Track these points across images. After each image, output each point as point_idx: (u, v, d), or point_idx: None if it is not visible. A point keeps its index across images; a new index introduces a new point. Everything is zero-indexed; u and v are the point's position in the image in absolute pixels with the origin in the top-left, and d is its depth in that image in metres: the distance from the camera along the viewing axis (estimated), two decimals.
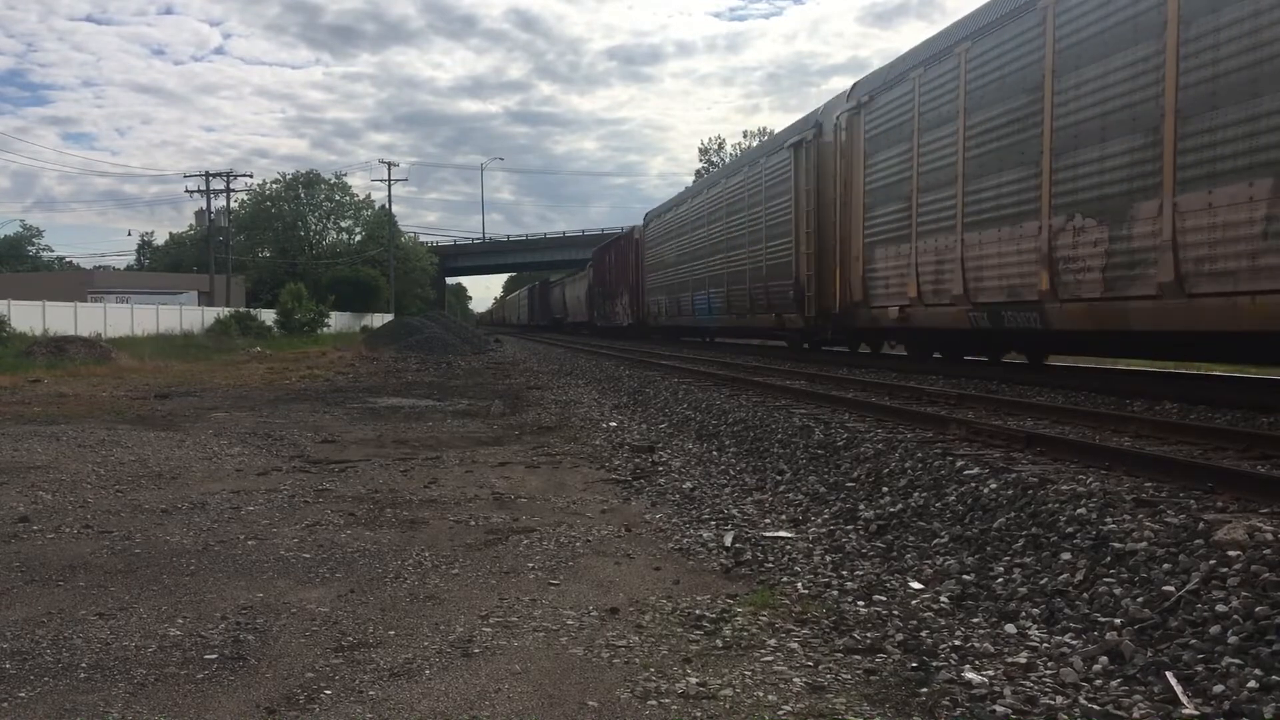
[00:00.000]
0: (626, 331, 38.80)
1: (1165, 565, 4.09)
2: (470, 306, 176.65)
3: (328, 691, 3.54)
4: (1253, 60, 7.88)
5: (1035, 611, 4.23)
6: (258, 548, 5.72)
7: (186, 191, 64.26)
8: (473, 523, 6.39)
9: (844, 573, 5.08)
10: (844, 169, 16.39)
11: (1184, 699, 3.22)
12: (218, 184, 60.44)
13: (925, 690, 3.48)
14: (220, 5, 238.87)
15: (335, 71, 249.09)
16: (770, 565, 5.25)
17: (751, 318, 22.14)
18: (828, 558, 5.39)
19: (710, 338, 31.74)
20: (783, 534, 5.95)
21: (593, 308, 46.32)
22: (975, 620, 4.27)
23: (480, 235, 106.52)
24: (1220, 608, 3.63)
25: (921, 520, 5.78)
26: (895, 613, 4.37)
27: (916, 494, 6.18)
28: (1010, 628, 4.11)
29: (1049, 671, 3.62)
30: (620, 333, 40.60)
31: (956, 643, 3.94)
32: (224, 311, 49.96)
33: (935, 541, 5.42)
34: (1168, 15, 8.75)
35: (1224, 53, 8.16)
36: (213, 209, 61.18)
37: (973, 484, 5.84)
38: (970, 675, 3.57)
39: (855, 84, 16.45)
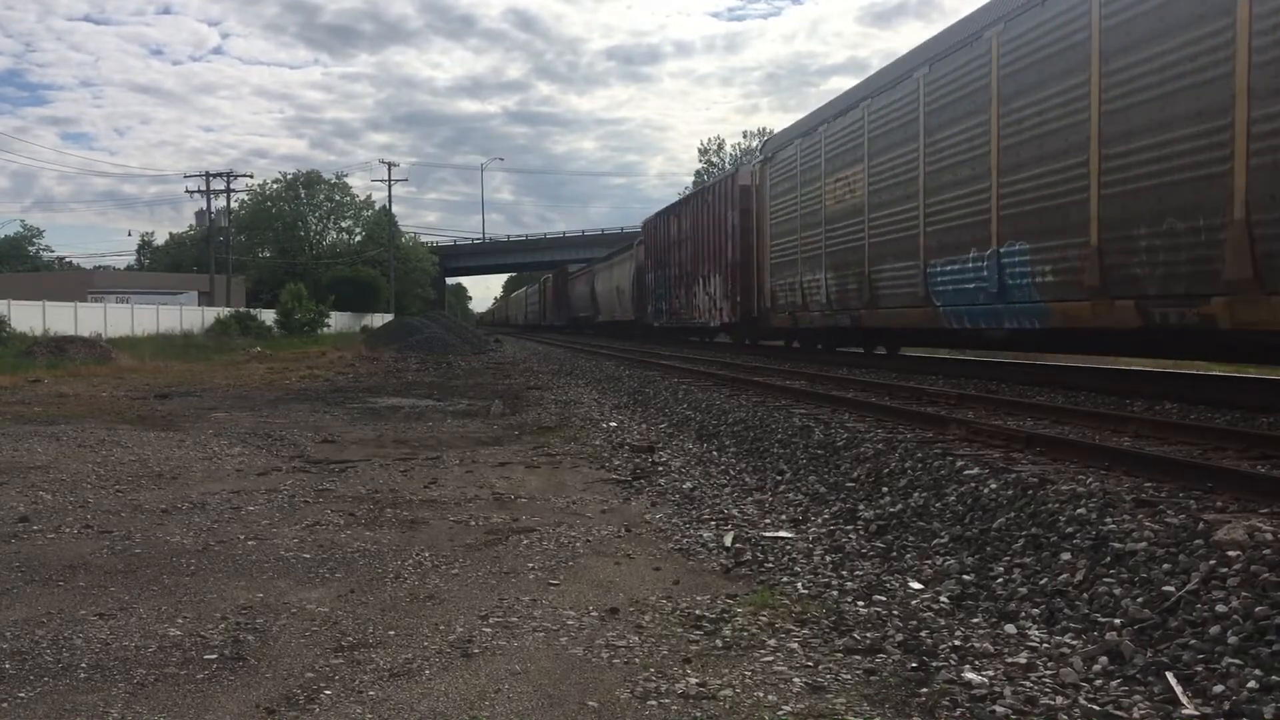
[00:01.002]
0: (726, 333, 25.21)
1: (1165, 565, 4.09)
2: (470, 306, 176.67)
3: (328, 691, 3.54)
4: None
5: (1035, 612, 4.23)
6: (258, 548, 5.72)
7: (187, 192, 64.13)
8: (473, 523, 6.39)
9: (844, 573, 5.08)
10: None
11: (1184, 699, 3.22)
12: (218, 184, 60.48)
13: (925, 690, 3.48)
14: (218, 5, 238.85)
15: (334, 71, 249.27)
16: (770, 565, 5.25)
17: None
18: (828, 558, 5.39)
19: (911, 349, 18.86)
20: (783, 534, 5.95)
21: (644, 301, 33.63)
22: (975, 620, 4.27)
23: (480, 235, 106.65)
24: (1220, 608, 3.63)
25: (921, 520, 5.78)
26: (895, 613, 4.37)
27: (916, 494, 6.18)
28: (1010, 628, 4.11)
29: (1049, 672, 3.62)
30: (699, 338, 28.96)
31: (956, 643, 3.94)
32: (224, 311, 49.95)
33: (935, 541, 5.42)
34: None
35: None
36: (213, 209, 61.20)
37: (973, 484, 5.84)
38: (970, 675, 3.57)
39: None
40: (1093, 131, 9.48)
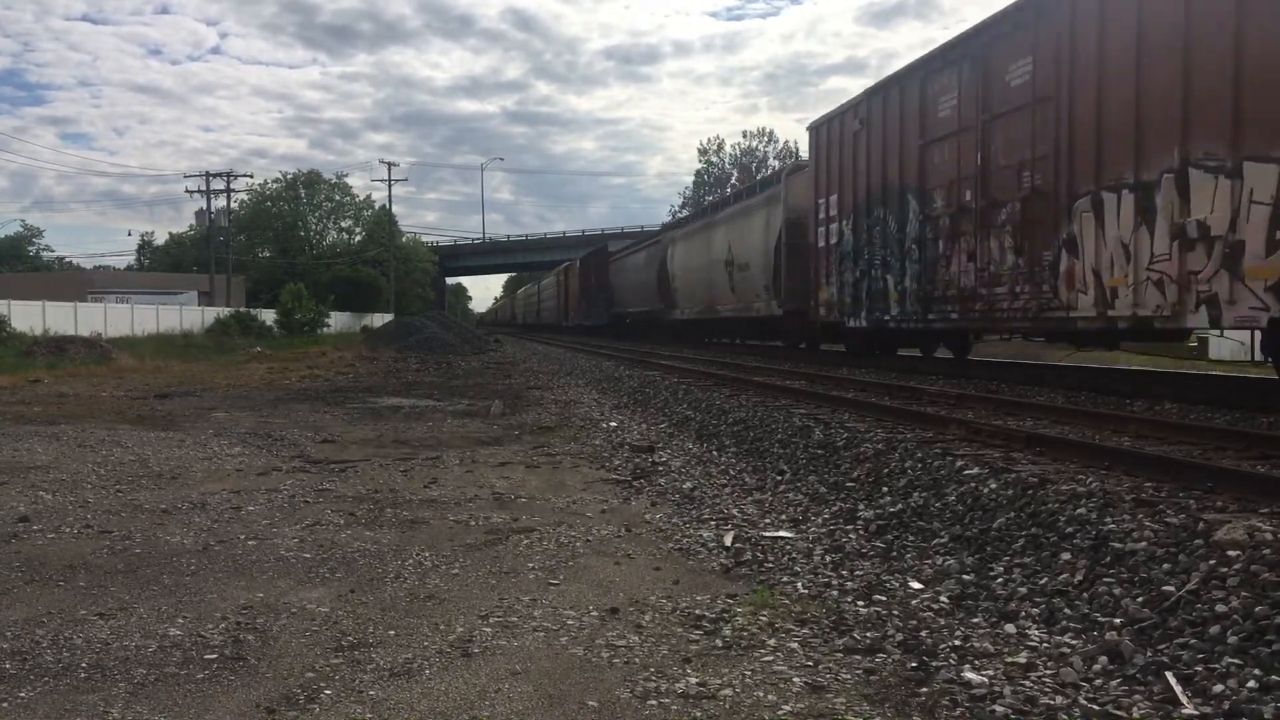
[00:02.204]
0: None
1: (1165, 565, 4.09)
2: (470, 306, 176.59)
3: (328, 691, 3.54)
4: None
5: (1035, 611, 4.24)
6: (258, 548, 5.72)
7: (186, 192, 64.07)
8: (473, 523, 6.39)
9: (844, 572, 5.08)
10: None
11: (1184, 699, 3.23)
12: (218, 184, 60.48)
13: (925, 690, 3.48)
14: (216, 5, 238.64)
15: (332, 71, 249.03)
16: (770, 565, 5.25)
17: None
18: (828, 557, 5.39)
19: None
20: (783, 534, 5.95)
21: (812, 281, 17.98)
22: (975, 620, 4.27)
23: (480, 235, 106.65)
24: (1220, 608, 3.63)
25: (921, 520, 5.78)
26: (895, 613, 4.37)
27: (916, 494, 6.18)
28: (1010, 628, 4.11)
29: (1049, 671, 3.62)
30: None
31: (956, 643, 3.95)
32: (224, 311, 49.97)
33: (935, 541, 5.42)
34: None
35: None
36: (212, 209, 61.19)
37: (972, 484, 5.84)
38: (970, 675, 3.57)
39: None
40: None
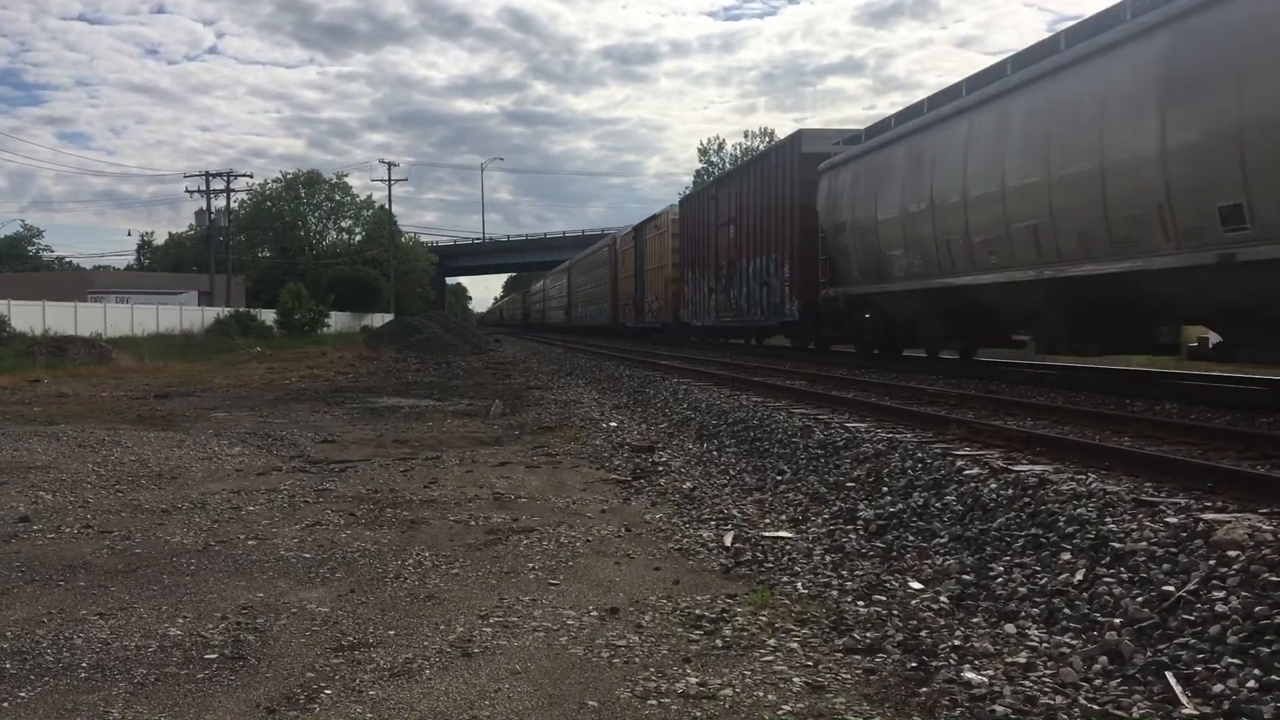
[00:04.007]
0: None
1: (1165, 565, 4.09)
2: (470, 306, 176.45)
3: (328, 691, 3.54)
4: None
5: (1035, 611, 4.24)
6: (258, 548, 5.72)
7: (186, 191, 63.87)
8: (473, 523, 6.39)
9: (844, 572, 5.08)
10: None
11: (1183, 699, 3.23)
12: (217, 184, 60.44)
13: (925, 690, 3.48)
14: (213, 4, 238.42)
15: (329, 71, 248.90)
16: (770, 565, 5.25)
17: None
18: (828, 557, 5.39)
19: None
20: (783, 534, 5.95)
21: None
22: (975, 620, 4.27)
23: (479, 235, 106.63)
24: (1220, 608, 3.63)
25: (921, 520, 5.78)
26: (895, 613, 4.37)
27: (916, 494, 6.18)
28: (1010, 628, 4.11)
29: (1049, 671, 3.62)
30: None
31: (956, 642, 3.94)
32: (224, 311, 49.95)
33: (935, 541, 5.42)
34: None
35: None
36: (212, 209, 61.16)
37: (972, 484, 5.84)
38: (970, 675, 3.57)
39: None
40: None
